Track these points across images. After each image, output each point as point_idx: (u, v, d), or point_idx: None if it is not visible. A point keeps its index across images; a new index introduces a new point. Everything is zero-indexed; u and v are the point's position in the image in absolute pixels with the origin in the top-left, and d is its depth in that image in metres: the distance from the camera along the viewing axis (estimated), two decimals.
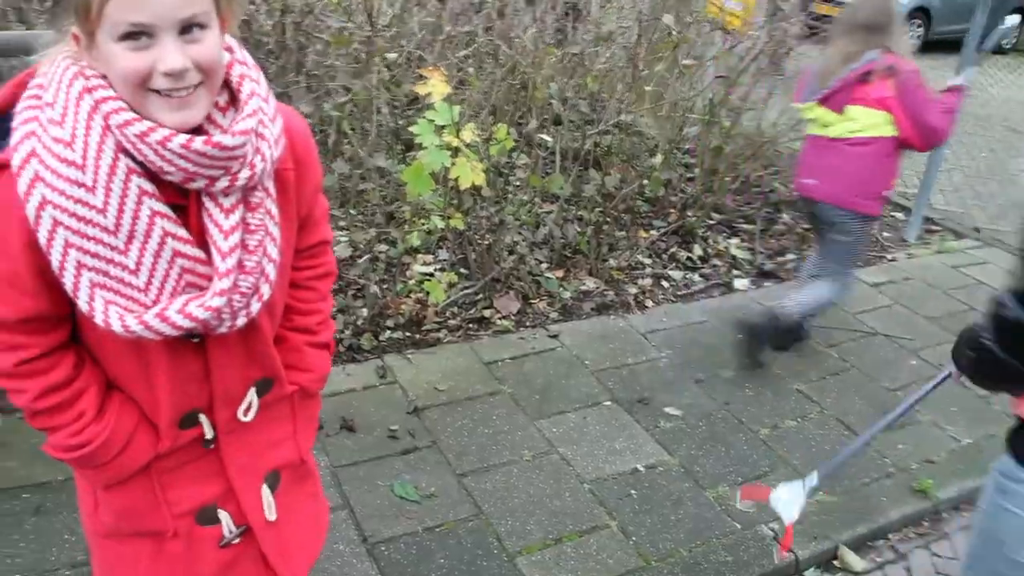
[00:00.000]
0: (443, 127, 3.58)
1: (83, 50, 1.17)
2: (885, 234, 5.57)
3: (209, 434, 1.44)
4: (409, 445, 3.09)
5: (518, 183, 4.71)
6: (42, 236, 1.17)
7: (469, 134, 3.64)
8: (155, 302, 1.23)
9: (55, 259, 1.18)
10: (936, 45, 12.38)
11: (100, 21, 1.11)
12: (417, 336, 3.80)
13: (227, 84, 1.26)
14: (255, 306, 1.31)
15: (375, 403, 3.30)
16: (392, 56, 4.03)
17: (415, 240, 4.05)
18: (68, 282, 1.20)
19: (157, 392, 1.37)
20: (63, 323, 1.31)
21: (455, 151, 3.58)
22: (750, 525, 2.91)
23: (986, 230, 5.92)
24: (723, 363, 3.84)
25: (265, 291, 1.32)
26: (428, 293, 3.87)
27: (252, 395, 1.47)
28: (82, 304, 1.21)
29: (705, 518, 2.93)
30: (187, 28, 1.15)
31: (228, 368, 1.40)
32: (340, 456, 3.00)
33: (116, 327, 1.22)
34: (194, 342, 1.34)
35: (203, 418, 1.43)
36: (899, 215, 5.90)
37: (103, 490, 1.44)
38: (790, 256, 5.00)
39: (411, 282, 4.10)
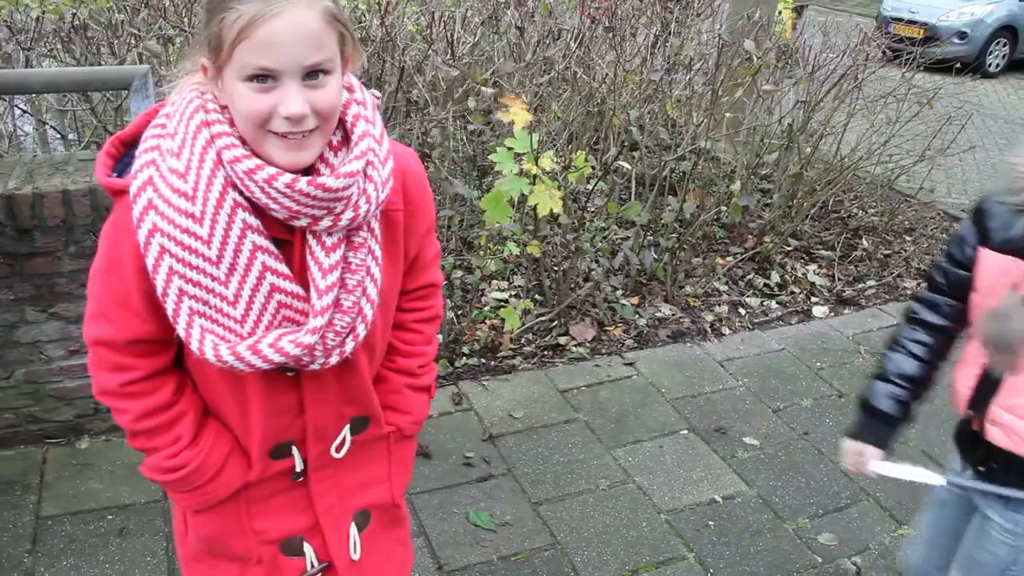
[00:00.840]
0: (522, 155, 3.62)
1: (210, 80, 1.23)
2: None
3: (299, 467, 1.47)
4: (484, 472, 3.11)
5: (594, 210, 4.72)
6: (149, 261, 1.22)
7: (548, 161, 3.67)
8: (251, 334, 1.27)
9: (159, 284, 1.23)
10: (1022, 64, 12.06)
11: (230, 60, 1.16)
12: (492, 363, 3.83)
13: (342, 123, 1.29)
14: (349, 345, 1.33)
15: (450, 430, 3.33)
16: (488, 91, 4.07)
17: (492, 266, 4.09)
18: (170, 308, 1.25)
19: (251, 421, 1.41)
20: (168, 347, 1.36)
21: (534, 178, 3.62)
22: (831, 559, 2.85)
23: None
24: (802, 392, 3.78)
25: (361, 331, 1.33)
26: (503, 320, 3.90)
27: (346, 432, 1.49)
28: (180, 330, 1.26)
29: (784, 551, 2.87)
30: (311, 74, 1.18)
31: (322, 404, 1.43)
32: (416, 483, 3.03)
33: (210, 356, 1.26)
34: (289, 376, 1.37)
35: (295, 451, 1.46)
36: None
37: (193, 514, 1.49)
38: (870, 283, 4.89)
39: (486, 308, 4.13)
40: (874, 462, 1.90)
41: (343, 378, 1.42)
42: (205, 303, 1.25)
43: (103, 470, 2.92)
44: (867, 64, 5.35)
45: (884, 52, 6.45)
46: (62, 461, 2.96)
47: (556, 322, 4.12)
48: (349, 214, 1.25)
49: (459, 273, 4.30)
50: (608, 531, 2.89)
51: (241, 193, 1.21)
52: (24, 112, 3.98)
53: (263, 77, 1.16)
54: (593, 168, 4.20)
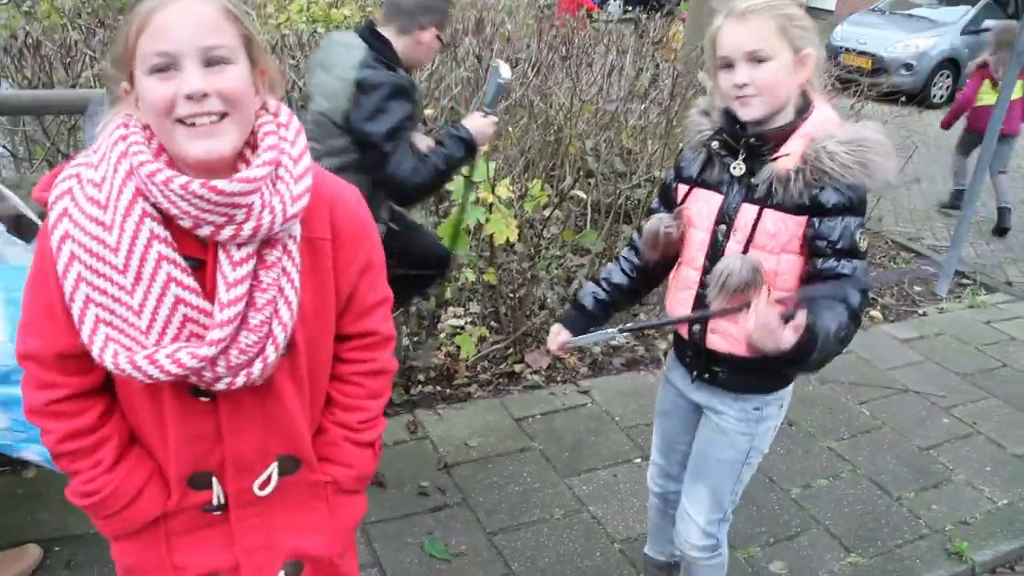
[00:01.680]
0: (477, 183, 3.65)
1: (132, 103, 1.27)
2: (916, 288, 5.56)
3: (219, 500, 1.44)
4: (439, 502, 3.11)
5: (550, 237, 4.76)
6: (60, 267, 1.25)
7: (504, 190, 3.70)
8: (156, 344, 1.26)
9: (67, 290, 1.25)
10: None
11: (135, 59, 1.21)
12: (448, 390, 3.83)
13: (253, 136, 1.31)
14: (257, 367, 1.31)
15: (405, 459, 3.33)
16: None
17: (448, 293, 4.10)
18: (76, 313, 1.26)
19: (167, 445, 1.39)
20: (96, 369, 1.33)
21: (490, 207, 3.64)
22: None
23: (1018, 284, 5.88)
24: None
25: (271, 353, 1.31)
26: (459, 347, 3.91)
27: (273, 470, 1.46)
28: (84, 337, 1.26)
29: None
30: (211, 62, 1.22)
31: (242, 433, 1.40)
32: (370, 513, 2.97)
33: (108, 363, 1.26)
34: (205, 401, 1.36)
35: (215, 482, 1.43)
36: (929, 268, 5.88)
37: (114, 543, 1.47)
38: None
39: (442, 335, 4.14)
40: (567, 337, 2.23)
41: (267, 409, 1.40)
42: (111, 311, 1.25)
43: (51, 499, 2.86)
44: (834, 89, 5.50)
45: (835, 83, 6.63)
46: (8, 491, 2.90)
47: (511, 349, 4.14)
48: (251, 224, 1.24)
49: (415, 299, 4.30)
50: (562, 561, 2.91)
51: (153, 205, 1.24)
52: None
53: (164, 67, 1.20)
54: (549, 196, 4.24)
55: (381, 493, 3.11)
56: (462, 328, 4.20)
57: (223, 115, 1.23)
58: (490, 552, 2.91)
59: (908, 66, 12.00)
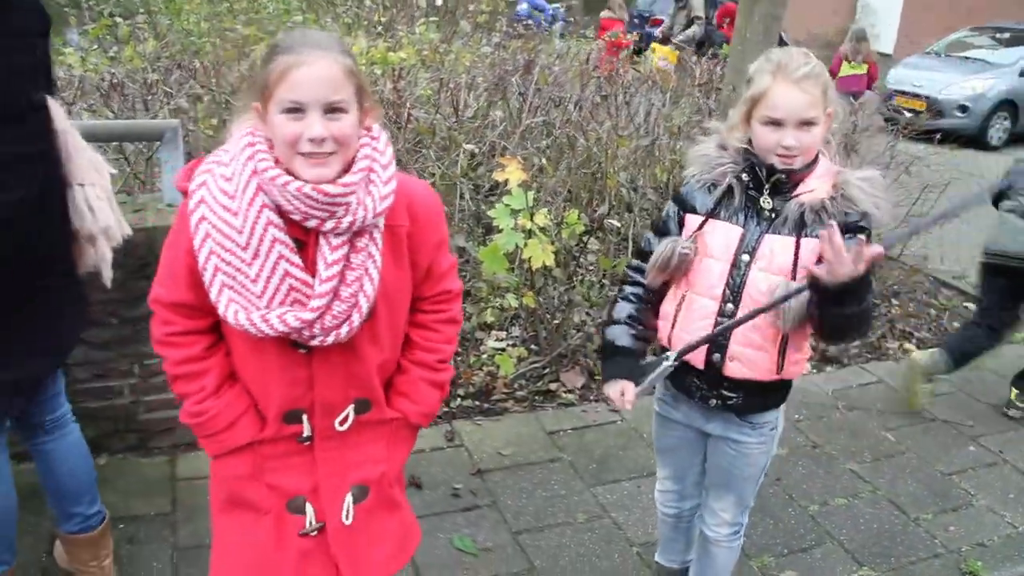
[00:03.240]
0: (518, 211, 3.91)
1: (259, 118, 1.64)
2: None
3: (307, 432, 1.79)
4: (470, 503, 3.33)
5: (591, 266, 4.99)
6: (196, 242, 1.62)
7: (542, 218, 3.96)
8: (267, 307, 1.63)
9: (201, 260, 1.62)
10: None
11: (272, 98, 1.57)
12: (486, 405, 4.06)
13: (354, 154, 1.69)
14: (345, 330, 1.66)
15: (441, 463, 3.56)
16: (469, 147, 4.39)
17: (489, 316, 4.35)
18: (207, 278, 1.63)
19: (270, 388, 1.76)
20: (204, 315, 1.71)
21: (529, 233, 3.90)
22: None
23: None
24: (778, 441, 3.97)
25: (356, 319, 1.66)
26: (499, 366, 4.14)
27: (350, 410, 1.81)
28: (212, 296, 1.64)
29: None
30: (330, 110, 1.57)
31: (329, 382, 1.76)
32: None
33: (230, 319, 1.63)
34: (301, 353, 1.71)
35: (304, 418, 1.78)
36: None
37: (215, 460, 1.83)
38: (854, 343, 5.10)
39: (484, 356, 4.38)
40: (631, 387, 2.26)
41: (348, 362, 1.75)
42: (233, 278, 1.62)
43: (119, 485, 3.16)
44: (855, 133, 5.66)
45: (887, 122, 6.74)
46: None
47: (548, 369, 4.36)
48: (348, 219, 1.60)
49: None
50: (582, 560, 3.09)
51: (269, 197, 1.60)
52: None
53: (294, 110, 1.55)
54: (587, 226, 4.48)
55: (417, 493, 3.34)
56: (503, 350, 4.44)
57: (332, 153, 1.58)
58: (514, 549, 3.11)
59: (963, 108, 12.00)
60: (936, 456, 3.98)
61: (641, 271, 2.34)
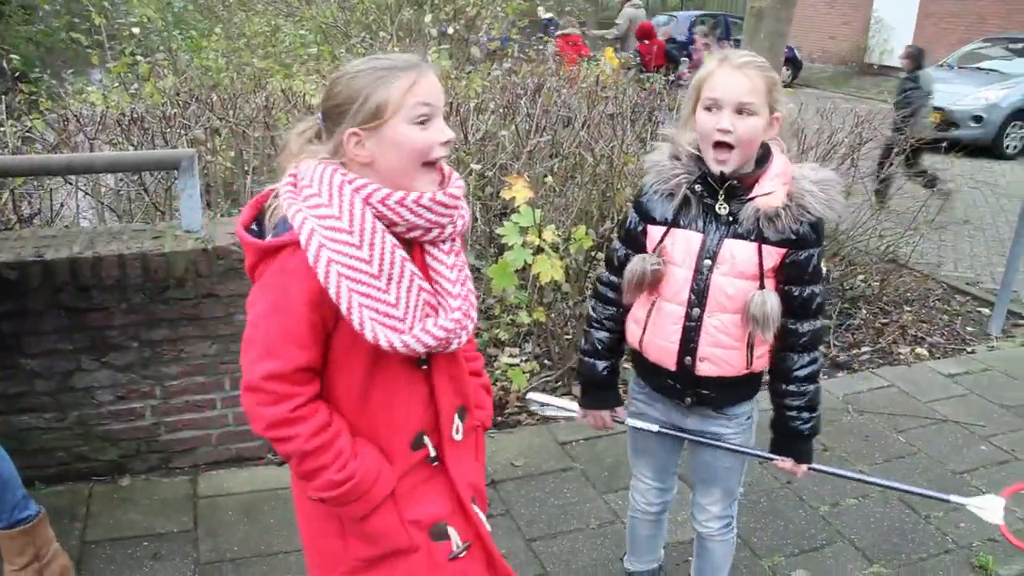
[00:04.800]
0: (526, 228, 4.01)
1: (352, 148, 1.63)
2: (968, 328, 5.64)
3: (432, 452, 1.80)
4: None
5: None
6: (331, 288, 1.58)
7: (550, 234, 4.05)
8: (411, 327, 1.64)
9: (343, 303, 1.58)
10: None
11: (398, 112, 1.61)
12: (499, 419, 4.14)
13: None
14: (470, 326, 1.72)
15: None
16: (477, 167, 4.51)
17: (503, 334, 4.44)
18: (356, 320, 1.59)
19: (394, 416, 1.74)
20: (318, 376, 1.66)
21: (538, 249, 3.99)
22: None
23: None
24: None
25: (473, 316, 1.73)
26: (512, 380, 4.22)
27: (457, 419, 1.84)
28: (367, 334, 1.59)
29: None
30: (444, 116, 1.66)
31: (445, 392, 1.80)
32: None
33: (384, 345, 1.60)
34: (424, 369, 1.75)
35: (426, 439, 1.80)
36: (984, 310, 5.94)
37: (359, 522, 1.72)
38: (864, 349, 5.15)
39: (497, 372, 4.46)
40: (610, 416, 2.55)
41: (453, 370, 1.81)
42: (376, 309, 1.60)
43: (141, 504, 3.27)
44: (861, 146, 5.73)
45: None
46: (106, 496, 3.32)
47: (560, 382, 4.43)
48: (460, 222, 1.71)
49: None
50: (595, 564, 3.15)
51: (383, 222, 1.63)
52: (86, 194, 4.48)
53: (425, 119, 1.62)
54: (594, 240, 4.57)
55: None
56: (516, 365, 4.51)
57: (441, 156, 1.67)
58: (527, 555, 3.18)
59: (977, 118, 12.01)
60: (947, 456, 4.00)
61: (614, 287, 2.38)
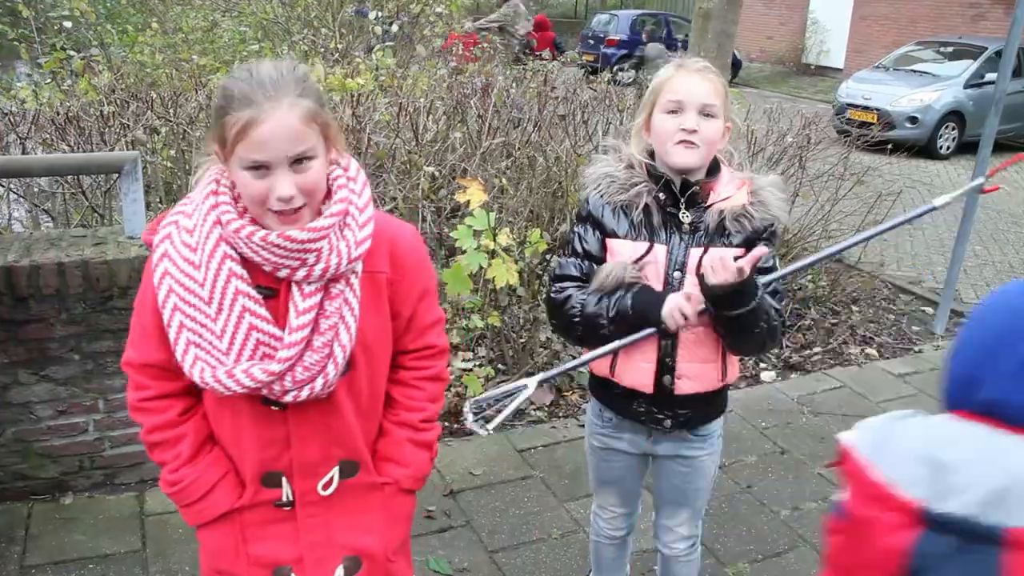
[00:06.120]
0: (480, 232, 3.93)
1: (222, 161, 1.53)
2: (914, 327, 5.73)
3: (287, 497, 1.69)
4: (444, 524, 3.32)
5: None
6: (160, 299, 1.54)
7: (505, 237, 3.98)
8: (235, 363, 1.54)
9: (166, 317, 1.54)
10: (970, 147, 12.66)
11: (233, 154, 1.47)
12: (455, 425, 4.06)
13: (329, 193, 1.58)
14: (319, 382, 1.55)
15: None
16: (430, 169, 4.42)
17: (455, 338, 4.35)
18: (172, 336, 1.55)
19: (244, 448, 1.66)
20: (179, 376, 1.60)
21: (492, 253, 3.91)
22: None
23: None
24: (747, 449, 4.02)
25: (331, 371, 1.55)
26: (466, 386, 4.14)
27: (335, 473, 1.70)
28: (178, 356, 1.55)
29: None
30: (297, 161, 1.46)
31: (307, 440, 1.65)
32: None
33: (196, 378, 1.55)
34: (275, 410, 1.62)
35: (284, 481, 1.68)
36: (928, 309, 6.05)
37: (198, 530, 1.73)
38: (816, 349, 5.18)
39: (451, 377, 4.37)
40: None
41: (327, 419, 1.65)
42: (199, 335, 1.53)
43: (86, 523, 3.11)
44: (809, 146, 5.77)
45: (840, 134, 6.89)
46: (47, 516, 3.15)
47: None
48: (321, 265, 1.50)
49: None
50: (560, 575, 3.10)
51: (233, 248, 1.52)
52: (19, 197, 4.26)
53: (258, 167, 1.45)
54: (548, 243, 4.51)
55: None
56: (470, 370, 4.44)
57: (302, 206, 1.48)
58: (491, 568, 3.11)
59: (913, 119, 12.29)
60: None
61: (574, 281, 2.17)
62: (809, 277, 5.91)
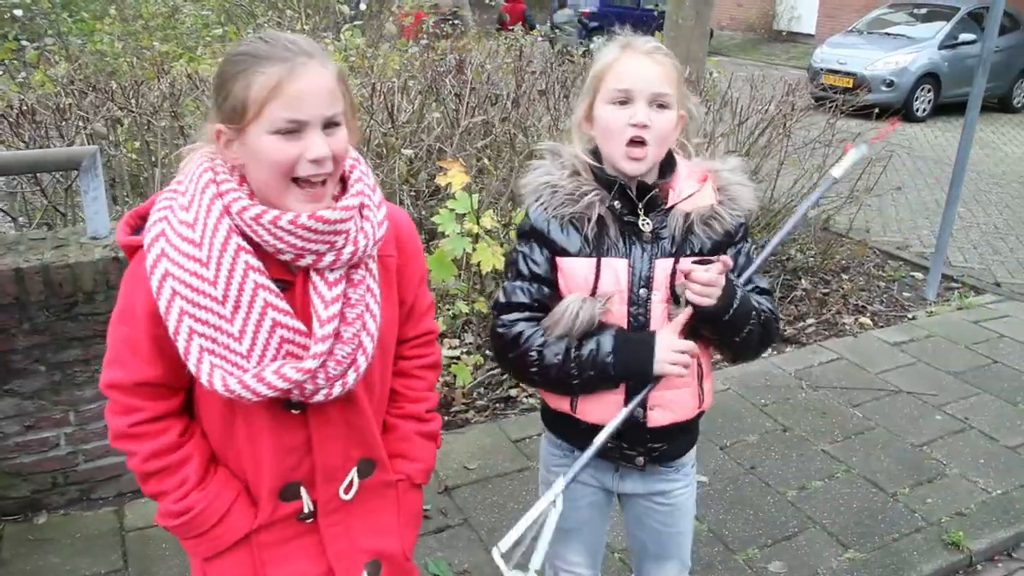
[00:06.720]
0: (463, 215, 3.77)
1: (223, 146, 1.37)
2: (905, 294, 5.64)
3: (308, 508, 1.54)
4: (441, 524, 3.18)
5: None
6: (162, 304, 1.35)
7: (489, 220, 3.82)
8: (258, 366, 1.37)
9: (171, 325, 1.35)
10: (946, 108, 12.64)
11: (257, 118, 1.30)
12: (446, 418, 3.91)
13: (342, 176, 1.45)
14: (351, 376, 1.43)
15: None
16: (408, 152, 4.24)
17: (441, 325, 4.20)
18: (181, 346, 1.36)
19: (261, 461, 1.49)
20: (175, 392, 1.46)
21: (476, 237, 3.75)
22: None
23: (1006, 284, 5.97)
24: (747, 428, 3.91)
25: (362, 362, 1.44)
26: (455, 376, 3.99)
27: (354, 474, 1.56)
28: (191, 366, 1.37)
29: None
30: (329, 125, 1.34)
31: (329, 442, 1.51)
32: None
33: (219, 387, 1.36)
34: (296, 414, 1.47)
35: (304, 492, 1.53)
36: (918, 275, 5.97)
37: (205, 562, 1.54)
38: (810, 321, 5.08)
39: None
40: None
41: (348, 417, 1.51)
42: (214, 340, 1.35)
43: (62, 543, 2.93)
44: (794, 113, 5.63)
45: (815, 100, 6.77)
46: (19, 537, 2.97)
47: (507, 375, 4.22)
48: (349, 248, 1.38)
49: None
50: None
51: (245, 238, 1.34)
52: None
53: (291, 130, 1.31)
54: None
55: None
56: (458, 358, 4.29)
57: (328, 177, 1.36)
58: (493, 568, 2.95)
59: (889, 83, 12.21)
60: (905, 429, 3.94)
61: (523, 310, 1.83)
62: (798, 247, 5.80)
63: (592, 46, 12.24)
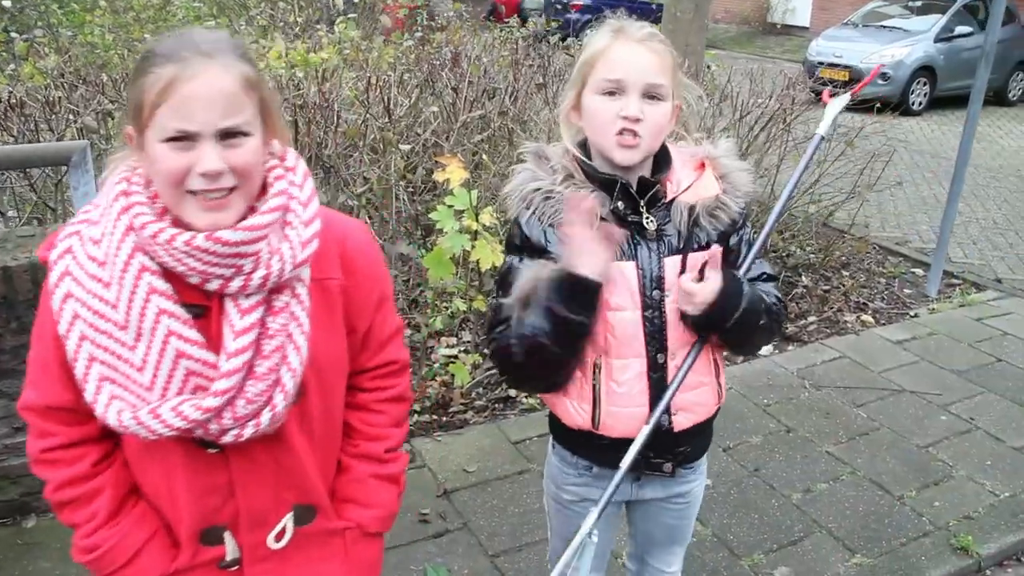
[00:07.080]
0: (462, 211, 3.69)
1: (136, 149, 1.24)
2: (906, 291, 5.59)
3: (232, 555, 1.40)
4: (440, 528, 3.11)
5: None
6: (62, 327, 1.23)
7: (487, 217, 3.74)
8: (161, 400, 1.23)
9: (70, 349, 1.24)
10: (941, 102, 12.60)
11: (150, 123, 1.18)
12: (444, 418, 3.85)
13: (264, 187, 1.29)
14: (266, 416, 1.28)
15: (405, 488, 3.32)
16: (405, 148, 4.16)
17: (438, 324, 4.13)
18: (79, 372, 1.24)
19: (176, 499, 1.36)
20: (92, 418, 1.30)
21: (474, 234, 3.68)
22: None
23: (1008, 280, 5.92)
24: (751, 429, 3.85)
25: (279, 401, 1.28)
26: (454, 375, 3.92)
27: (288, 521, 1.42)
28: (88, 395, 1.25)
29: None
30: (229, 135, 1.19)
31: (255, 485, 1.37)
32: None
33: (112, 421, 1.24)
34: (212, 453, 1.32)
35: (228, 537, 1.39)
36: (918, 271, 5.92)
37: None
38: (811, 319, 5.02)
39: (436, 365, 4.15)
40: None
41: (277, 457, 1.37)
42: (114, 368, 1.24)
43: (51, 548, 2.86)
44: (794, 107, 5.57)
45: (811, 94, 6.70)
46: (8, 541, 2.90)
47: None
48: (261, 272, 1.23)
49: (407, 332, 4.32)
50: None
51: (152, 258, 1.22)
52: None
53: (180, 138, 1.17)
54: None
55: None
56: (456, 357, 4.22)
57: (232, 189, 1.21)
58: (493, 574, 2.91)
59: (884, 76, 12.15)
60: (910, 429, 3.88)
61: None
62: (798, 243, 5.74)
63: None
